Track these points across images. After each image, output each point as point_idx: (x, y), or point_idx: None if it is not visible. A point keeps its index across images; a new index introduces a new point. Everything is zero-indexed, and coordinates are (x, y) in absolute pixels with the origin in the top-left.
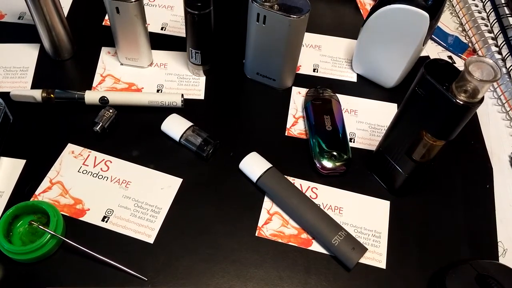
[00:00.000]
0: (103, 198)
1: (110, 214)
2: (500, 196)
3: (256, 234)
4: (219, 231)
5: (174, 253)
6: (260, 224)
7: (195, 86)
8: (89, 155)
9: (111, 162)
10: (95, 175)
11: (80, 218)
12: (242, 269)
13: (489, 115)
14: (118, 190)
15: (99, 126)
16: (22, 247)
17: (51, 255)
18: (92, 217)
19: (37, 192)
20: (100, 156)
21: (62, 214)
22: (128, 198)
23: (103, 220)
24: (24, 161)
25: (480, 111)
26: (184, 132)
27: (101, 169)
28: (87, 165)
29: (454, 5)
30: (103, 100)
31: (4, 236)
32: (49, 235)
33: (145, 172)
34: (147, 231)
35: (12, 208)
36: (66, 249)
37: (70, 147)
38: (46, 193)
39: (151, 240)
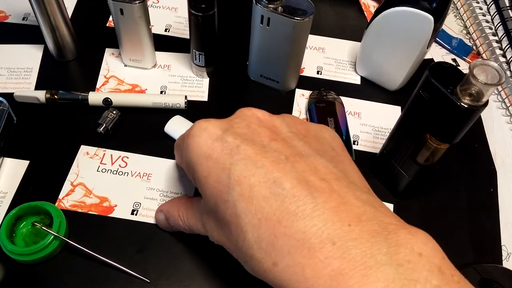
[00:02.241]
0: (128, 193)
1: (138, 207)
2: (504, 199)
3: None
4: None
5: (177, 254)
6: None
7: (198, 88)
8: (104, 153)
9: (128, 157)
10: (115, 172)
11: (110, 215)
12: None
13: (493, 118)
14: (140, 183)
15: (103, 127)
16: (25, 248)
17: (53, 256)
18: (121, 212)
19: (60, 196)
20: (116, 153)
21: (89, 214)
22: (152, 190)
23: (132, 213)
24: (28, 162)
25: (484, 114)
26: None
27: (119, 165)
28: (105, 164)
29: (458, 8)
30: (107, 102)
31: (7, 237)
32: (52, 236)
33: (163, 163)
34: None
35: (16, 209)
36: (69, 251)
37: (84, 148)
38: (70, 196)
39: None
